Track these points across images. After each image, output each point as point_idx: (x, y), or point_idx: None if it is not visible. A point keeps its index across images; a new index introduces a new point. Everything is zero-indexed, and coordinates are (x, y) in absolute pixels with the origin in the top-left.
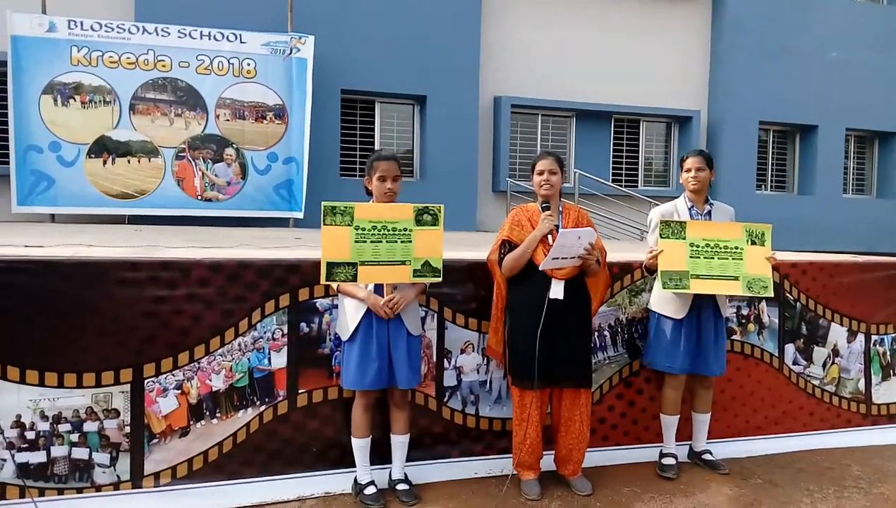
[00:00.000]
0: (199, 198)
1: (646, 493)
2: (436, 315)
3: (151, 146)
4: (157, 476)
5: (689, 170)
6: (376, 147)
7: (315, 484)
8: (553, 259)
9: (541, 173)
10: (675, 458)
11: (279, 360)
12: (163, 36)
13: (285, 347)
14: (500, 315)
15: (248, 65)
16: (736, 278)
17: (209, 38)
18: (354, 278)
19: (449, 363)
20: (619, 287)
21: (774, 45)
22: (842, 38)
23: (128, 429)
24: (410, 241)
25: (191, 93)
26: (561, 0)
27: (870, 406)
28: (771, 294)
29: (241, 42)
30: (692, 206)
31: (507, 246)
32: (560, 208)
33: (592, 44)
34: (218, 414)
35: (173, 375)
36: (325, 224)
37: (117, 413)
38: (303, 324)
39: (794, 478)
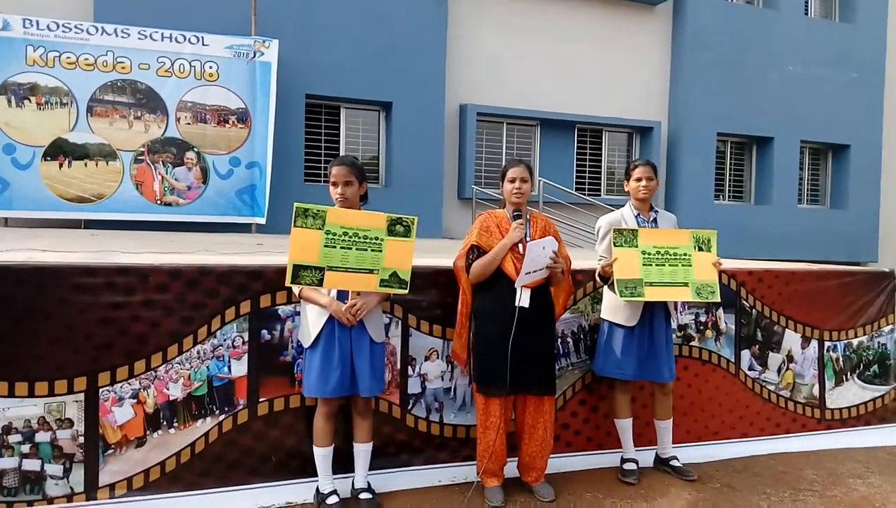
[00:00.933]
0: (159, 202)
1: (607, 498)
2: (400, 321)
3: (109, 149)
4: (112, 487)
5: (639, 180)
6: (342, 153)
7: (276, 494)
8: (526, 274)
9: (512, 181)
10: (636, 463)
11: (239, 368)
12: (122, 37)
13: (246, 355)
14: (465, 321)
15: (211, 67)
16: (685, 284)
17: (170, 40)
18: (320, 283)
19: (413, 370)
20: (581, 294)
21: (732, 59)
22: (797, 53)
23: (82, 439)
24: (381, 251)
25: (151, 95)
26: (526, 11)
27: (824, 411)
28: (718, 299)
29: (204, 44)
30: (638, 214)
31: (476, 251)
32: (527, 216)
33: (557, 54)
34: (175, 424)
35: (129, 384)
36: (295, 225)
37: (71, 422)
38: (264, 331)
39: (752, 482)
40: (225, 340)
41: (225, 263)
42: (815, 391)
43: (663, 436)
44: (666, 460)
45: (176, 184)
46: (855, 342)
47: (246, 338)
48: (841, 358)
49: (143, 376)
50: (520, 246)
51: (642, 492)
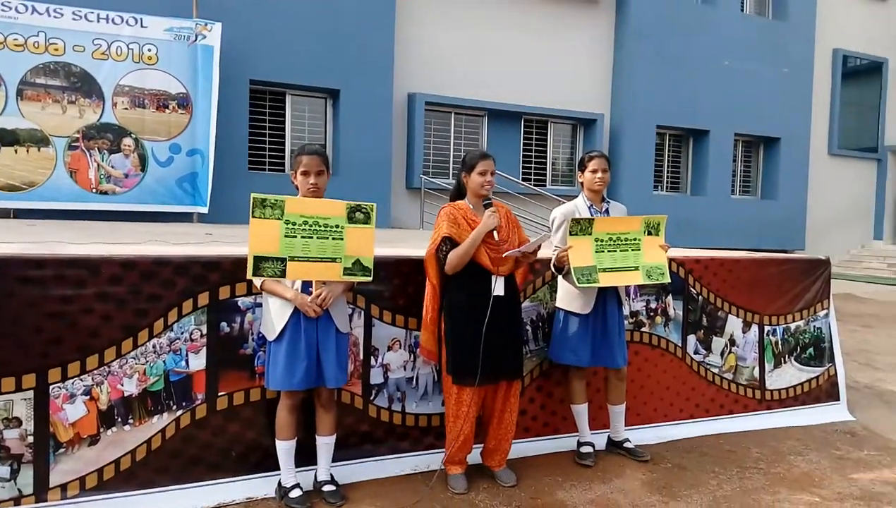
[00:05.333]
0: (94, 190)
1: (566, 481)
2: (363, 312)
3: (41, 135)
4: (63, 487)
5: (595, 172)
6: (287, 140)
7: (236, 490)
8: (521, 251)
9: (483, 173)
10: (592, 446)
11: (197, 362)
12: (55, 17)
13: (204, 348)
14: (435, 315)
15: (150, 51)
16: (636, 268)
17: (107, 22)
18: (283, 274)
19: (376, 360)
20: (540, 282)
21: (672, 54)
22: (733, 49)
23: (31, 439)
24: (342, 239)
25: (86, 79)
26: (474, 1)
27: (764, 391)
28: (668, 280)
29: (142, 27)
30: (591, 205)
31: (448, 243)
32: None
33: (504, 46)
34: (131, 421)
35: (81, 380)
36: (253, 216)
37: (19, 421)
38: (223, 324)
39: (701, 462)
40: (182, 333)
41: (181, 254)
42: (756, 373)
43: (616, 420)
44: (619, 442)
45: (112, 171)
46: (793, 326)
47: (204, 331)
48: (779, 342)
49: (95, 372)
50: (495, 233)
51: (599, 474)
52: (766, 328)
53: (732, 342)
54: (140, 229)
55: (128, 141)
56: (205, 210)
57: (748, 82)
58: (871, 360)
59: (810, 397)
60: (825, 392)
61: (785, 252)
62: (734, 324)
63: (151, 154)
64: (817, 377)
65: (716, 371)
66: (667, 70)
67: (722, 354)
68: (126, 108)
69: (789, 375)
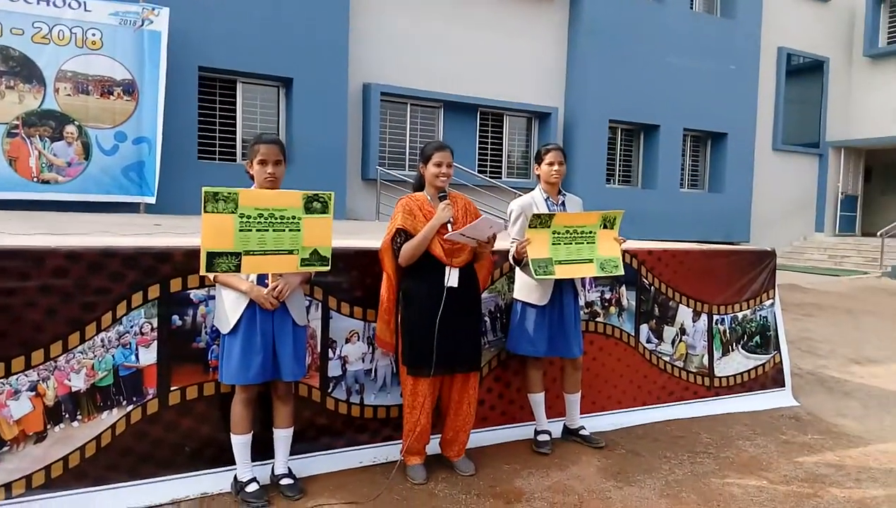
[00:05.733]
0: (35, 180)
1: (524, 469)
2: (320, 304)
3: None
4: (8, 487)
5: (552, 164)
6: (238, 130)
7: (190, 485)
8: (461, 234)
9: (439, 165)
10: (549, 434)
11: (148, 356)
12: None
13: (155, 342)
14: (392, 306)
15: (94, 35)
16: (590, 260)
17: (48, 4)
18: (238, 268)
19: (334, 353)
20: (498, 274)
21: (624, 50)
22: (682, 45)
23: None
24: (299, 230)
25: (25, 63)
26: None
27: (713, 379)
28: (621, 272)
29: (86, 10)
30: (548, 197)
31: (402, 235)
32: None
33: (461, 38)
34: (79, 417)
35: (26, 375)
36: (205, 211)
37: None
38: (175, 317)
39: (653, 447)
40: (132, 327)
41: (130, 245)
42: (705, 361)
43: (572, 409)
44: (575, 430)
45: (54, 160)
46: (740, 315)
47: (155, 325)
48: (728, 330)
49: (41, 367)
50: (449, 226)
51: (556, 461)
52: (715, 317)
53: (683, 331)
54: (88, 220)
55: (70, 128)
56: (152, 200)
57: (697, 79)
58: (813, 348)
59: (757, 383)
60: (771, 378)
61: (731, 243)
62: (685, 314)
63: (95, 142)
64: (763, 364)
65: (667, 359)
66: (619, 66)
67: (673, 343)
68: (69, 95)
69: (737, 363)
